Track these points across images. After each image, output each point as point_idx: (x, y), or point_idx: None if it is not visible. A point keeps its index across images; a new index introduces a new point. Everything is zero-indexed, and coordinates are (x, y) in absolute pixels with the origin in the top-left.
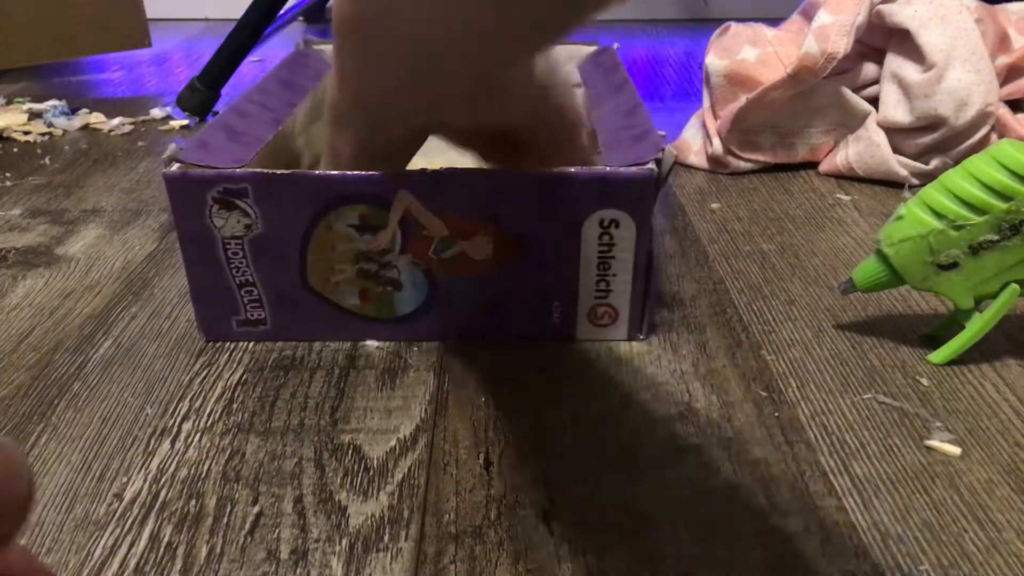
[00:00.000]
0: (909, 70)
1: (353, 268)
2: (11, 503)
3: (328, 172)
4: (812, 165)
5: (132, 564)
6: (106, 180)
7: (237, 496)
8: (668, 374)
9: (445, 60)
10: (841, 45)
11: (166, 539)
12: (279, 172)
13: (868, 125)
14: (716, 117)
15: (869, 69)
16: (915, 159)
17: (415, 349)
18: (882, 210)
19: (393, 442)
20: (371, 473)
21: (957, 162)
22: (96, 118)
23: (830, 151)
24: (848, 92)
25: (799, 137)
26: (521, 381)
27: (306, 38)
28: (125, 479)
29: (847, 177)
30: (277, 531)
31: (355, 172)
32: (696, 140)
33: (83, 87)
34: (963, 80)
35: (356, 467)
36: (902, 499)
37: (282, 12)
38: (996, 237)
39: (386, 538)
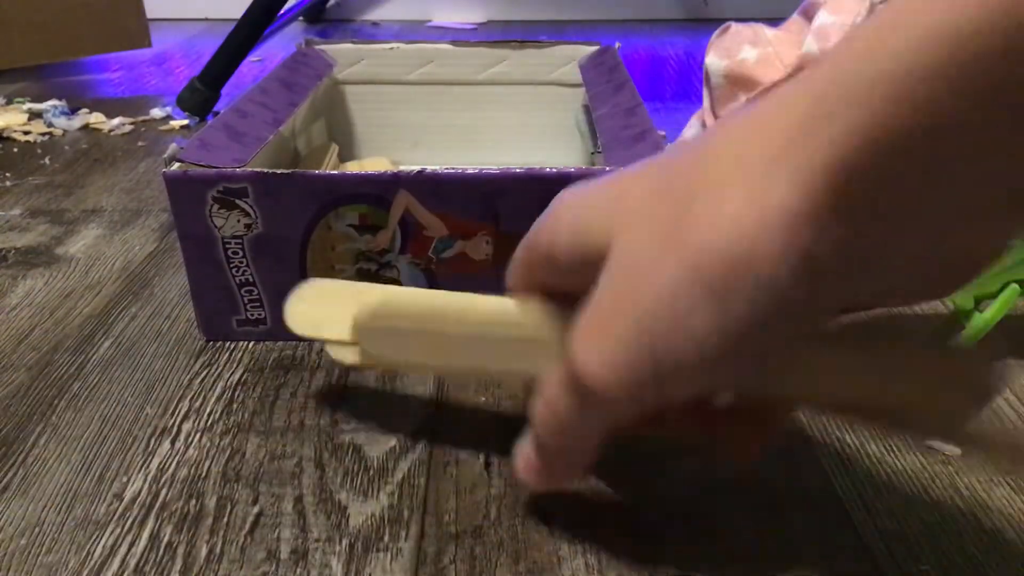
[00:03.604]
0: None
1: (353, 268)
2: None
3: (327, 172)
4: None
5: (132, 564)
6: (106, 180)
7: (237, 496)
8: None
9: None
10: None
11: (166, 539)
12: (279, 172)
13: None
14: (716, 117)
15: None
16: None
17: None
18: None
19: (393, 442)
20: (371, 473)
21: None
22: (96, 118)
23: None
24: None
25: None
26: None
27: (306, 38)
28: (125, 479)
29: None
30: (277, 531)
31: (355, 172)
32: None
33: (83, 87)
34: None
35: (356, 467)
36: (902, 499)
37: (282, 12)
38: None
39: (386, 538)
